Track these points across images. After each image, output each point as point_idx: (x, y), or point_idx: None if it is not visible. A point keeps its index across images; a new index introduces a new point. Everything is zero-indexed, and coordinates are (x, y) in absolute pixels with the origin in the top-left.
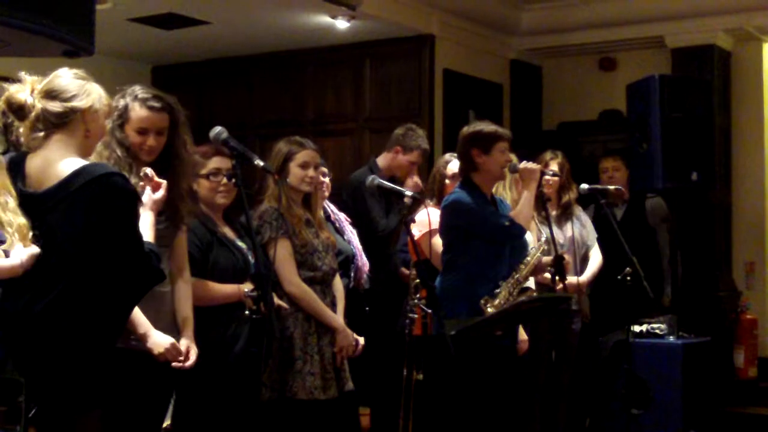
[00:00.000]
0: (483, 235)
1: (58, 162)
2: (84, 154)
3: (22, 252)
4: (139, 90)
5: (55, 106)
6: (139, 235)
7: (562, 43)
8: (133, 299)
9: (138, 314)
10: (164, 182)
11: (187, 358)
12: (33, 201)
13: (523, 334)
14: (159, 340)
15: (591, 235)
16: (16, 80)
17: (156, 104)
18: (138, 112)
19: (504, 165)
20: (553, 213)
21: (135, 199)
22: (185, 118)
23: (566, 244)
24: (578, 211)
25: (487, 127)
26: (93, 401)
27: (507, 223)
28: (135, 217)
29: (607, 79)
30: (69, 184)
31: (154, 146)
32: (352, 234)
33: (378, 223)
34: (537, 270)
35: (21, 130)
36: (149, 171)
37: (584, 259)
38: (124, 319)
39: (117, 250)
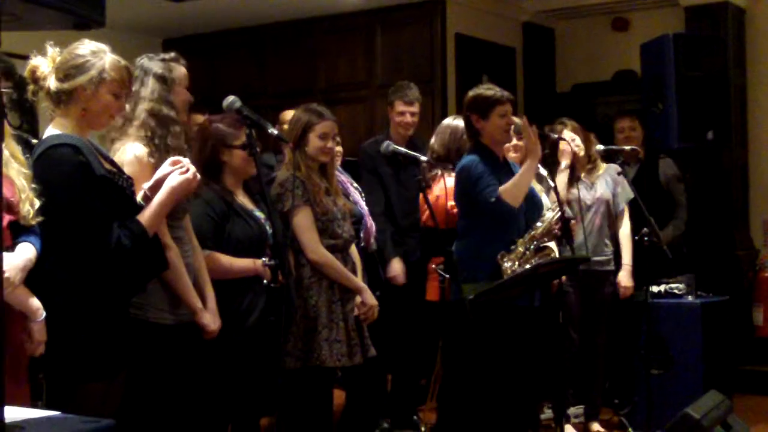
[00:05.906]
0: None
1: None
2: (83, 131)
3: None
4: (154, 56)
5: (53, 86)
6: (92, 207)
7: (574, 5)
8: (123, 273)
9: (191, 288)
10: (192, 169)
11: None
12: None
13: None
14: (215, 317)
15: (621, 196)
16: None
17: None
18: (180, 69)
19: (506, 128)
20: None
21: (77, 170)
22: None
23: (594, 204)
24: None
25: (486, 91)
26: (92, 374)
27: (492, 200)
28: (79, 189)
29: (621, 40)
30: (34, 158)
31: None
32: (357, 194)
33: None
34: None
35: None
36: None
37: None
38: (121, 294)
39: (64, 222)
